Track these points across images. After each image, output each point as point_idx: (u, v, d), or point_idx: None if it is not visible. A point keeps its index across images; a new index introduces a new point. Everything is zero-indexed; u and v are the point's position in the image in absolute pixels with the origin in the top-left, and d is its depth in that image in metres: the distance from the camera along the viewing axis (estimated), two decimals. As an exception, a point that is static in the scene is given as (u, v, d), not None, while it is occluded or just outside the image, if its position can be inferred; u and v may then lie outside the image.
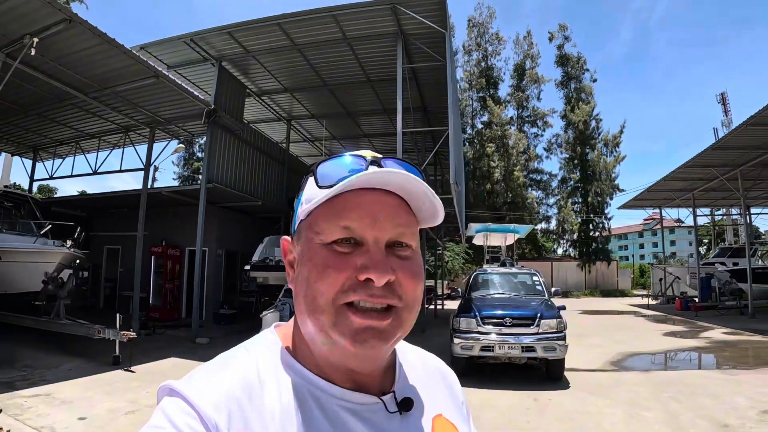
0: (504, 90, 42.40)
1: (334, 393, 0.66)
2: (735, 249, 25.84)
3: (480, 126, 40.40)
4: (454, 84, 13.52)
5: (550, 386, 7.68)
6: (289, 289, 5.37)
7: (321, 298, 0.61)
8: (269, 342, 0.72)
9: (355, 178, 0.62)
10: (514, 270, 10.62)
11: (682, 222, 32.31)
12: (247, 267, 13.28)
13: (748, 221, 24.09)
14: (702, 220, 31.33)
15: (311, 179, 0.68)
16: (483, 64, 41.22)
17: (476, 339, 7.83)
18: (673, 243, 69.77)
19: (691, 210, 25.71)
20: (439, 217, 0.69)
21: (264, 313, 9.67)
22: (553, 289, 10.06)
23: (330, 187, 0.63)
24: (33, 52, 8.54)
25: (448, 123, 10.43)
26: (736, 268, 21.75)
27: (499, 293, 9.45)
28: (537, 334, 7.70)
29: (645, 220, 30.31)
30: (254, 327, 9.73)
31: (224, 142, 13.82)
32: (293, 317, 0.73)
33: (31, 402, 6.04)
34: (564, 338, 7.85)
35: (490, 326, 7.87)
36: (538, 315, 7.85)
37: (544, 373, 8.32)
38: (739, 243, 29.64)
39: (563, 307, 8.54)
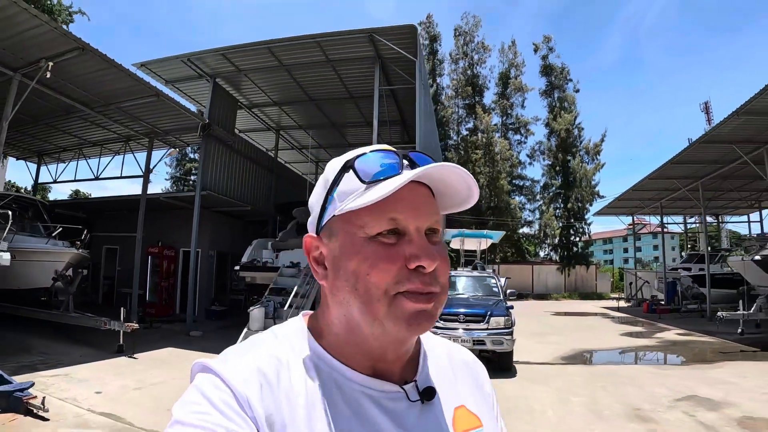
0: (489, 98, 43.78)
1: (357, 380, 0.69)
2: (701, 255, 27.32)
3: (465, 133, 41.80)
4: (428, 100, 14.76)
5: (500, 375, 8.79)
6: (275, 288, 7.23)
7: (376, 290, 0.64)
8: (297, 328, 0.75)
9: (420, 171, 0.64)
10: (475, 273, 11.88)
11: (666, 227, 33.76)
12: (237, 267, 14.28)
13: (706, 230, 25.50)
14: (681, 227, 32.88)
15: (349, 175, 0.69)
16: (469, 72, 42.51)
17: (434, 333, 9.05)
18: (655, 248, 71.24)
19: (681, 216, 27.03)
20: (474, 198, 0.72)
21: (251, 308, 10.80)
22: (509, 291, 11.36)
23: (373, 182, 0.66)
24: (48, 75, 9.70)
25: (416, 140, 11.67)
26: (697, 273, 23.10)
27: (459, 294, 10.71)
28: (487, 329, 8.95)
29: (629, 225, 31.37)
30: (242, 322, 10.82)
31: (217, 152, 15.05)
32: (319, 306, 0.76)
33: (53, 381, 7.18)
34: (511, 334, 9.10)
35: (447, 322, 9.13)
36: (489, 313, 9.10)
37: (496, 365, 9.40)
38: (719, 248, 31.19)
39: (512, 307, 9.81)
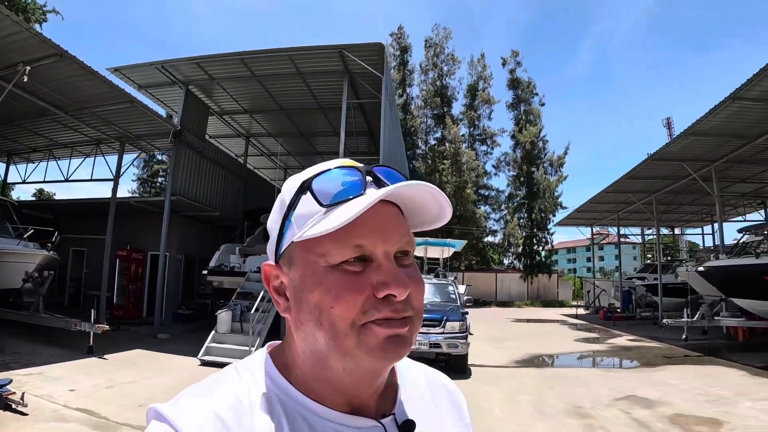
0: (457, 109, 44.98)
1: (330, 417, 0.64)
2: (655, 265, 28.66)
3: (433, 142, 42.82)
4: (394, 115, 15.41)
5: (455, 377, 9.11)
6: (243, 292, 7.98)
7: (341, 323, 0.59)
8: (260, 362, 0.69)
9: (386, 192, 0.59)
10: (434, 281, 12.54)
11: (627, 238, 35.14)
12: (205, 271, 14.57)
13: (659, 241, 26.81)
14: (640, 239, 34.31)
15: (306, 197, 0.63)
16: (438, 83, 43.62)
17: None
18: (617, 257, 73.28)
19: (638, 228, 28.27)
20: (446, 217, 0.68)
21: (219, 312, 11.20)
22: (465, 298, 12.07)
23: (333, 205, 0.61)
24: (26, 79, 9.96)
25: (380, 155, 12.31)
26: (651, 282, 24.32)
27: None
28: (443, 333, 9.60)
29: (594, 234, 32.72)
30: (209, 326, 11.24)
31: (188, 158, 15.45)
32: (285, 338, 0.71)
33: (27, 379, 7.48)
34: (466, 338, 9.78)
35: (405, 326, 9.71)
36: (445, 318, 9.74)
37: (452, 367, 9.89)
38: (678, 259, 32.69)
39: (467, 313, 10.50)
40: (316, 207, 0.62)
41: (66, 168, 16.89)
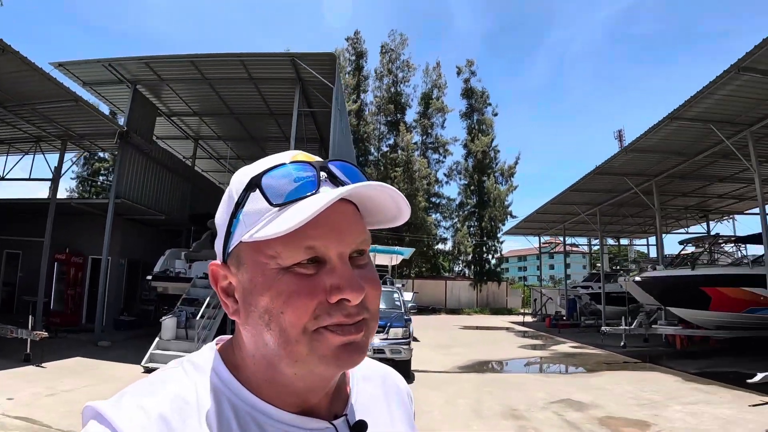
0: (411, 116, 45.70)
1: (281, 418, 0.63)
2: (607, 275, 30.00)
3: (386, 149, 43.41)
4: (345, 124, 15.70)
5: None
6: (188, 298, 8.11)
7: (292, 329, 0.57)
8: (209, 361, 0.67)
9: (343, 191, 0.57)
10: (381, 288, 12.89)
11: (578, 247, 36.57)
12: (149, 277, 14.33)
13: (602, 251, 28.21)
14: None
15: (256, 194, 0.60)
16: (393, 89, 44.24)
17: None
18: (568, 266, 75.61)
19: (585, 238, 29.41)
20: (404, 217, 0.66)
21: (163, 318, 11.13)
22: (410, 305, 12.48)
23: (285, 204, 0.58)
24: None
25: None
26: (595, 291, 25.45)
27: (363, 305, 11.71)
28: (386, 339, 9.92)
29: (544, 243, 33.75)
30: (152, 333, 11.12)
31: (134, 159, 15.24)
32: (234, 336, 0.69)
33: (-39, 388, 7.37)
34: (409, 344, 10.12)
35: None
36: (389, 324, 10.07)
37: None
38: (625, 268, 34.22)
39: (410, 320, 10.89)
40: (266, 205, 0.60)
41: (2, 166, 16.31)
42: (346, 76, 41.70)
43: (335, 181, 0.63)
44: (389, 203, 0.64)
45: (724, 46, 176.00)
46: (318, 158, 0.65)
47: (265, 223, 0.58)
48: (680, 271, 14.23)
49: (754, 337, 13.47)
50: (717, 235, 20.92)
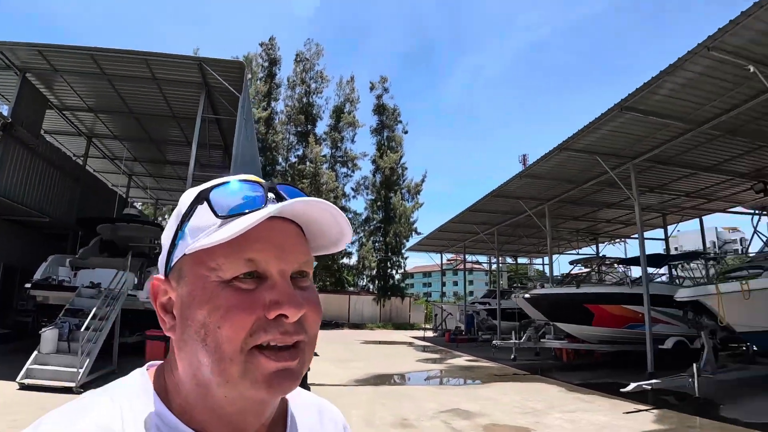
0: (321, 128, 45.83)
1: None
2: (502, 291, 31.60)
3: (294, 160, 43.23)
4: (250, 132, 15.60)
5: None
6: (72, 308, 7.65)
7: (228, 345, 0.56)
8: (138, 386, 0.64)
9: (277, 208, 0.58)
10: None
11: (481, 264, 37.98)
12: (28, 285, 13.20)
13: (499, 269, 29.85)
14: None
15: (203, 207, 0.62)
16: (305, 100, 44.21)
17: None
18: (471, 282, 78.15)
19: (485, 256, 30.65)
20: (345, 240, 0.68)
21: (43, 330, 10.31)
22: None
23: (230, 217, 0.59)
24: None
25: (230, 170, 12.46)
26: (492, 307, 26.74)
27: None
28: None
29: (448, 260, 34.91)
30: (29, 347, 10.22)
31: (17, 154, 14.12)
32: (167, 360, 0.67)
33: None
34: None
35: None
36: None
37: None
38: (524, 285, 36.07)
39: None
40: (211, 218, 0.60)
41: None
42: (258, 82, 41.21)
43: (282, 201, 0.63)
44: (331, 224, 0.65)
45: (621, 79, 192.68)
46: (273, 183, 0.67)
47: (208, 234, 0.59)
48: (566, 289, 15.35)
49: (634, 351, 14.35)
50: (603, 257, 22.86)
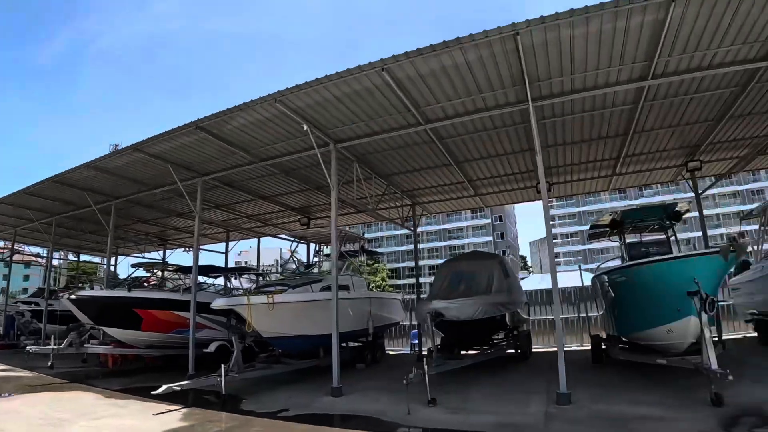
0: None
1: None
2: (52, 291, 27.99)
3: None
4: None
5: None
6: None
7: None
8: None
9: None
10: None
11: (41, 257, 32.46)
12: None
13: (50, 264, 26.90)
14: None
15: None
16: None
17: None
18: (27, 278, 67.48)
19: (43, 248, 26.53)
20: None
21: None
22: None
23: None
24: None
25: None
26: (39, 308, 23.68)
27: None
28: None
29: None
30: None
31: None
32: None
33: None
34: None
35: None
36: None
37: None
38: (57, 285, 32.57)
39: None
40: None
41: None
42: None
43: None
44: None
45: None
46: None
47: None
48: (116, 292, 15.00)
49: (182, 354, 14.83)
50: (166, 263, 23.35)
